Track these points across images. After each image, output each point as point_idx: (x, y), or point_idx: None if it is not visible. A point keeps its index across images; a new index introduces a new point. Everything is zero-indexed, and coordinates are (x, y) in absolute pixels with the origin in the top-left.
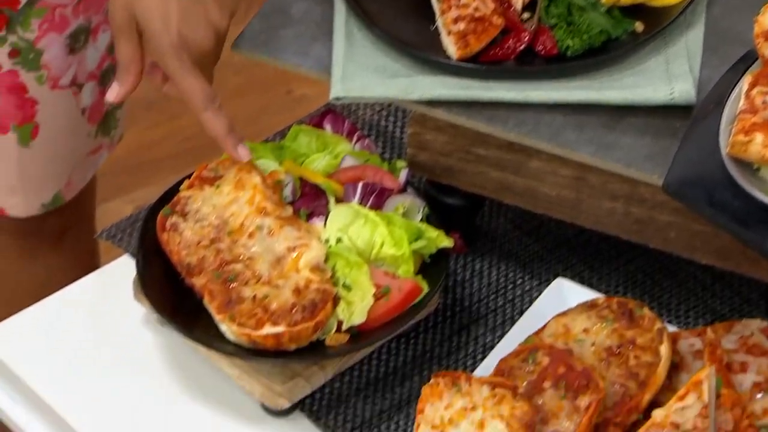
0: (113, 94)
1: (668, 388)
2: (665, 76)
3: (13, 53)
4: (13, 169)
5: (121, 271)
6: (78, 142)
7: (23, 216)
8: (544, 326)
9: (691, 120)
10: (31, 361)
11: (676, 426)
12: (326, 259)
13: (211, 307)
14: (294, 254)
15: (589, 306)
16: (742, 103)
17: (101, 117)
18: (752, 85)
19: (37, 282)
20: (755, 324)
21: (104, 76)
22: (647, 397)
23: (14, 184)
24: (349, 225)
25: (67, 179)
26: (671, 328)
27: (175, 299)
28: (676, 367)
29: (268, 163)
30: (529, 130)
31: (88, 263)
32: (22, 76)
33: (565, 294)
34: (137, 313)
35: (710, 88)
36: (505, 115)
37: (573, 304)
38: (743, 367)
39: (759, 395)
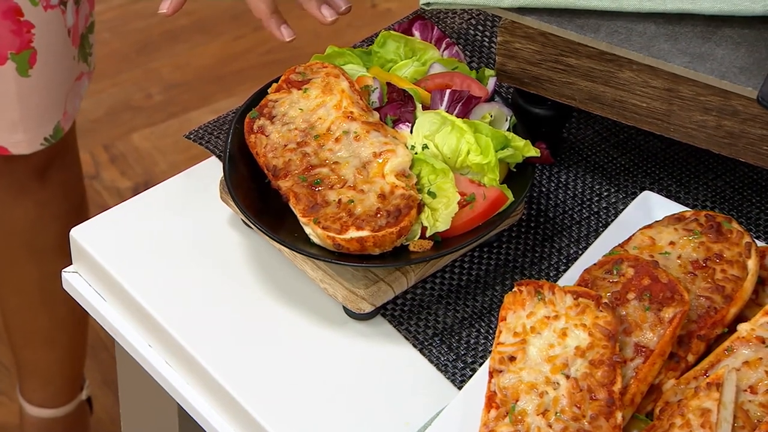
0: (166, 4)
1: (755, 302)
2: None
3: None
4: (14, 104)
5: (207, 173)
6: (68, 66)
7: (27, 153)
8: (630, 238)
9: None
10: (119, 258)
11: (762, 341)
12: (412, 166)
13: (296, 210)
14: (380, 160)
15: (676, 219)
16: None
17: (80, 40)
18: None
19: (29, 218)
20: None
21: None
22: (733, 311)
23: (16, 120)
24: (435, 132)
25: (63, 108)
26: (759, 244)
27: (260, 201)
28: (763, 283)
29: (356, 69)
30: (621, 40)
31: (77, 196)
32: None
33: (651, 207)
34: (223, 214)
35: None
36: (596, 23)
37: (659, 217)
38: None
39: None
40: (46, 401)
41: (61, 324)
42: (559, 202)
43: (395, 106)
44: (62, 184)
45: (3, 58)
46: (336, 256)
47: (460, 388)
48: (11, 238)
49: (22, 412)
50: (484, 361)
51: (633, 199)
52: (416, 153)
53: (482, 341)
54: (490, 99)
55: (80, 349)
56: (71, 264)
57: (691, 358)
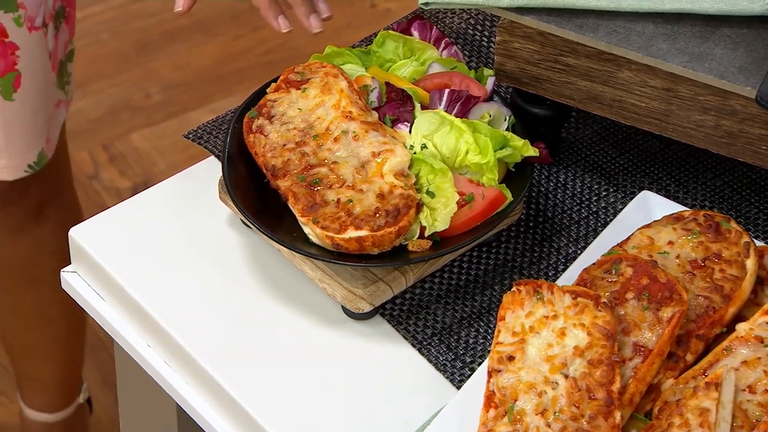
0: (182, 2)
1: (753, 302)
2: None
3: None
4: None
5: (206, 173)
6: (49, 91)
7: (10, 179)
8: (628, 238)
9: None
10: (118, 258)
11: (760, 340)
12: (410, 165)
13: (295, 209)
14: (378, 159)
15: (675, 218)
16: None
17: (58, 66)
18: None
19: (26, 255)
20: None
21: (57, 17)
22: (731, 311)
23: (0, 145)
24: (434, 131)
25: (46, 135)
26: (758, 244)
27: (259, 201)
28: (761, 282)
29: (355, 68)
30: (619, 39)
31: None
32: (0, 18)
33: (650, 207)
34: (222, 214)
35: None
36: (595, 23)
37: (658, 217)
38: None
39: None
40: (45, 407)
41: (56, 339)
42: (557, 201)
43: (394, 106)
44: (60, 222)
45: None
46: (335, 256)
47: (459, 387)
48: (9, 270)
49: (22, 415)
50: (483, 361)
51: (632, 198)
52: (415, 153)
53: (481, 341)
54: (489, 99)
55: (77, 359)
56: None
57: (689, 357)
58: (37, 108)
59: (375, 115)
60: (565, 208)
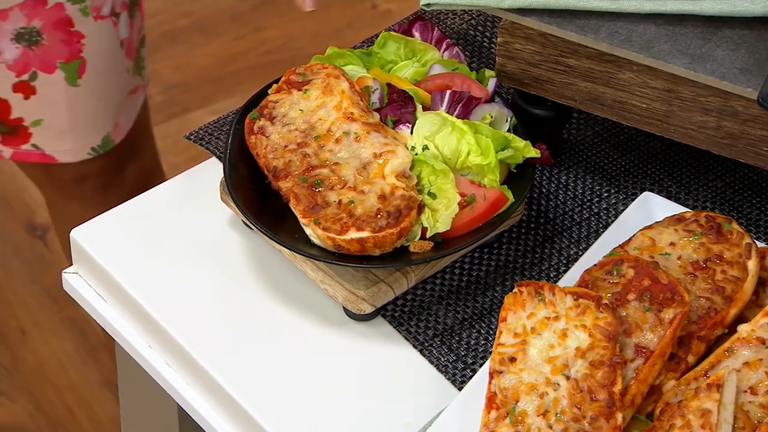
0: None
1: (755, 303)
2: None
3: None
4: (63, 112)
5: (207, 174)
6: (120, 78)
7: (74, 161)
8: (630, 239)
9: None
10: (120, 258)
11: (762, 341)
12: (412, 167)
13: (297, 210)
14: (380, 161)
15: (677, 220)
16: None
17: (135, 53)
18: None
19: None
20: None
21: (131, 5)
22: (733, 312)
23: (64, 128)
24: (435, 133)
25: (114, 120)
26: (760, 245)
27: (261, 202)
28: (763, 283)
29: (356, 69)
30: (621, 41)
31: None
32: (67, 8)
33: (651, 208)
34: (223, 215)
35: None
36: (596, 24)
37: (659, 218)
38: None
39: None
40: None
41: None
42: (559, 203)
43: (395, 107)
44: (139, 177)
45: (53, 67)
46: (336, 257)
47: (460, 388)
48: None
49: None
50: (485, 362)
51: (633, 200)
52: (416, 154)
53: (482, 342)
54: (491, 100)
55: None
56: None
57: (691, 359)
58: (104, 94)
59: (376, 116)
60: (567, 209)
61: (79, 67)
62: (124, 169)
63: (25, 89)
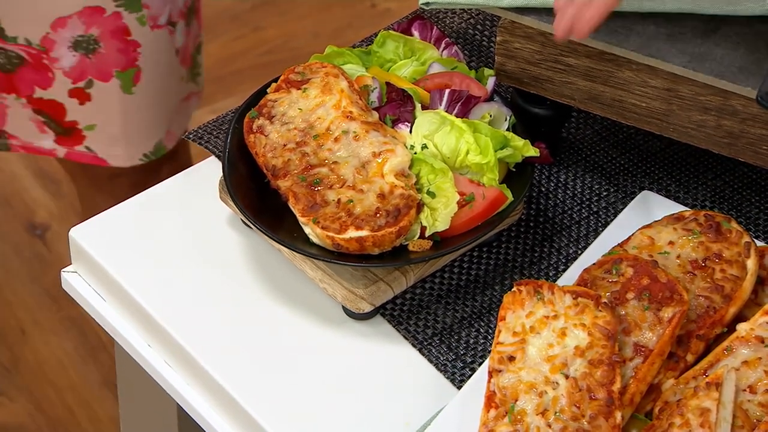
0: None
1: (754, 302)
2: None
3: None
4: (116, 119)
5: (206, 173)
6: (174, 86)
7: (125, 166)
8: (629, 238)
9: None
10: (119, 258)
11: (761, 340)
12: (411, 166)
13: (296, 209)
14: (379, 159)
15: (676, 218)
16: None
17: (190, 60)
18: None
19: None
20: None
21: (189, 15)
22: (732, 311)
23: (117, 134)
24: (434, 132)
25: (167, 127)
26: (759, 244)
27: (260, 201)
28: (762, 282)
29: (355, 68)
30: (620, 40)
31: None
32: (125, 18)
33: (650, 207)
34: (222, 214)
35: None
36: None
37: (659, 217)
38: None
39: None
40: None
41: None
42: (558, 201)
43: (394, 106)
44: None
45: (108, 75)
46: (335, 256)
47: (459, 387)
48: None
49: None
50: (484, 361)
51: (632, 198)
52: (415, 153)
53: (481, 341)
54: (490, 99)
55: None
56: None
57: (690, 357)
58: (158, 102)
59: (375, 115)
60: (566, 208)
61: (134, 76)
62: (160, 169)
63: (81, 95)
